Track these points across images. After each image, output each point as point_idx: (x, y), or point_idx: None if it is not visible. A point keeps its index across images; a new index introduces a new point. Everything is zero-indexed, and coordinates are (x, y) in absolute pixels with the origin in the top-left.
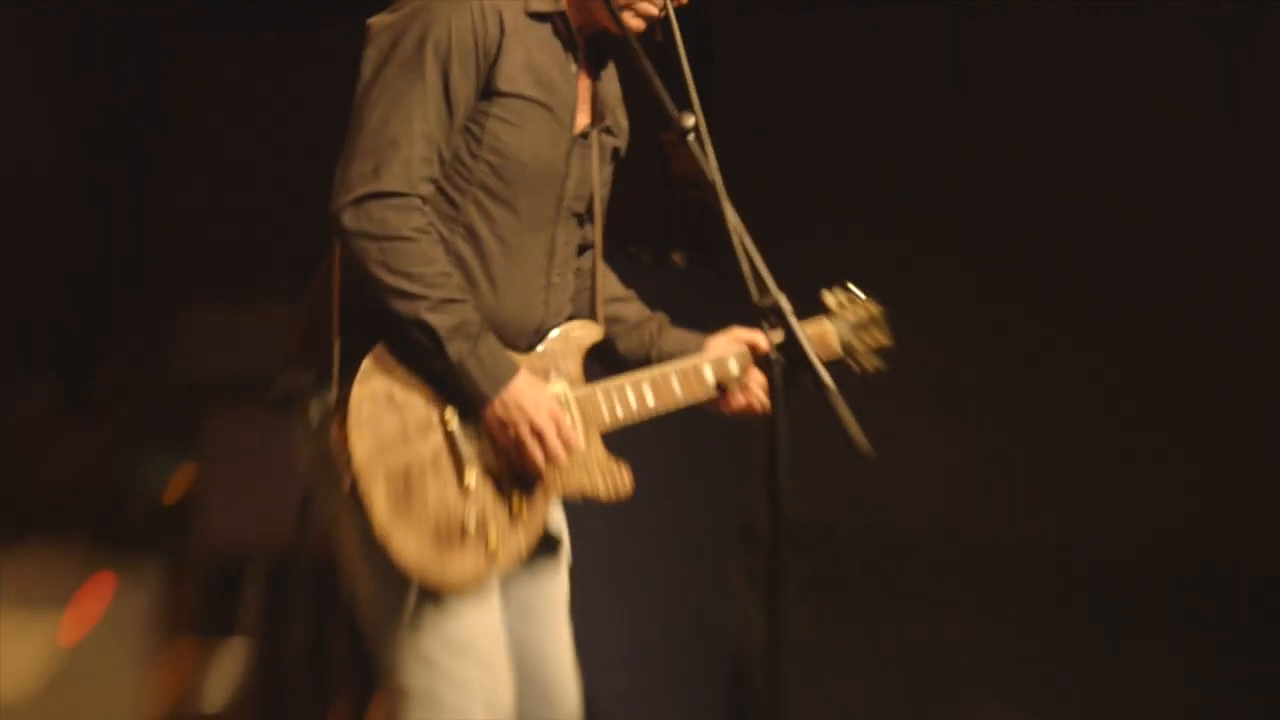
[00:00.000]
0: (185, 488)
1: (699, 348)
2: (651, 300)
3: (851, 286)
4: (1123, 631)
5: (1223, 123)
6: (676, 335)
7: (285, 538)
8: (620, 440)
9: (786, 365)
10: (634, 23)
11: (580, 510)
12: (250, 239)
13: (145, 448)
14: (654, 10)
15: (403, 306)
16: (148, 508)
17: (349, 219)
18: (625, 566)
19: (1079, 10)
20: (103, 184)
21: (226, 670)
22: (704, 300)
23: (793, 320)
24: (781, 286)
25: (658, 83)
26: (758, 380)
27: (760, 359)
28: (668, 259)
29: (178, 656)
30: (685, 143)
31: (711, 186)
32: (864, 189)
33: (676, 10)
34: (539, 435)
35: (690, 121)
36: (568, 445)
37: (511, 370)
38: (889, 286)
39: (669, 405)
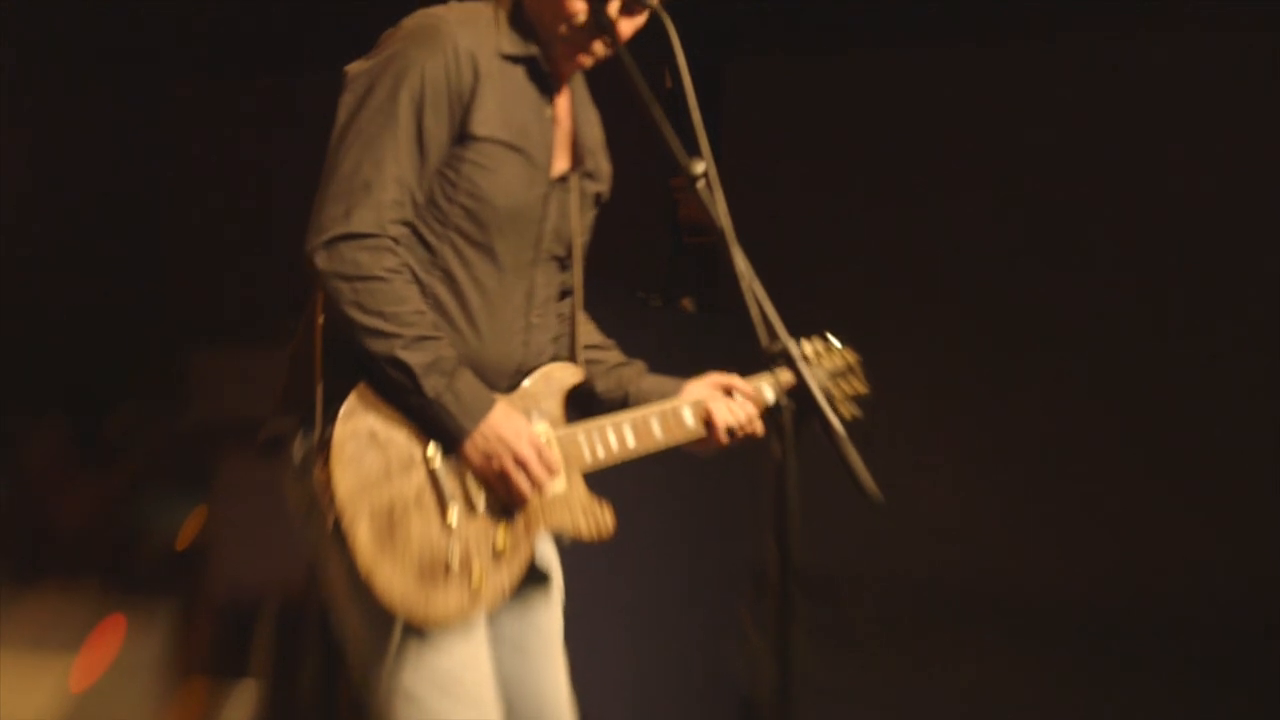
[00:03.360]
0: (197, 532)
1: (676, 391)
2: (660, 345)
3: (829, 335)
4: (1135, 677)
5: (1231, 166)
6: (654, 379)
7: (296, 581)
8: (628, 483)
9: (796, 410)
10: (586, 62)
11: (589, 552)
12: (262, 283)
13: (157, 492)
14: (603, 53)
15: (378, 345)
16: (159, 552)
17: (322, 260)
18: (634, 609)
19: (1086, 58)
20: (115, 229)
21: (238, 713)
22: (712, 345)
23: (802, 366)
24: (790, 331)
25: (667, 129)
26: (735, 422)
27: (770, 406)
28: (677, 304)
29: (189, 699)
30: (695, 189)
31: (721, 232)
32: (873, 234)
33: (676, 58)
34: (523, 464)
35: (700, 168)
36: (552, 471)
37: (489, 403)
38: (898, 333)
39: (649, 447)
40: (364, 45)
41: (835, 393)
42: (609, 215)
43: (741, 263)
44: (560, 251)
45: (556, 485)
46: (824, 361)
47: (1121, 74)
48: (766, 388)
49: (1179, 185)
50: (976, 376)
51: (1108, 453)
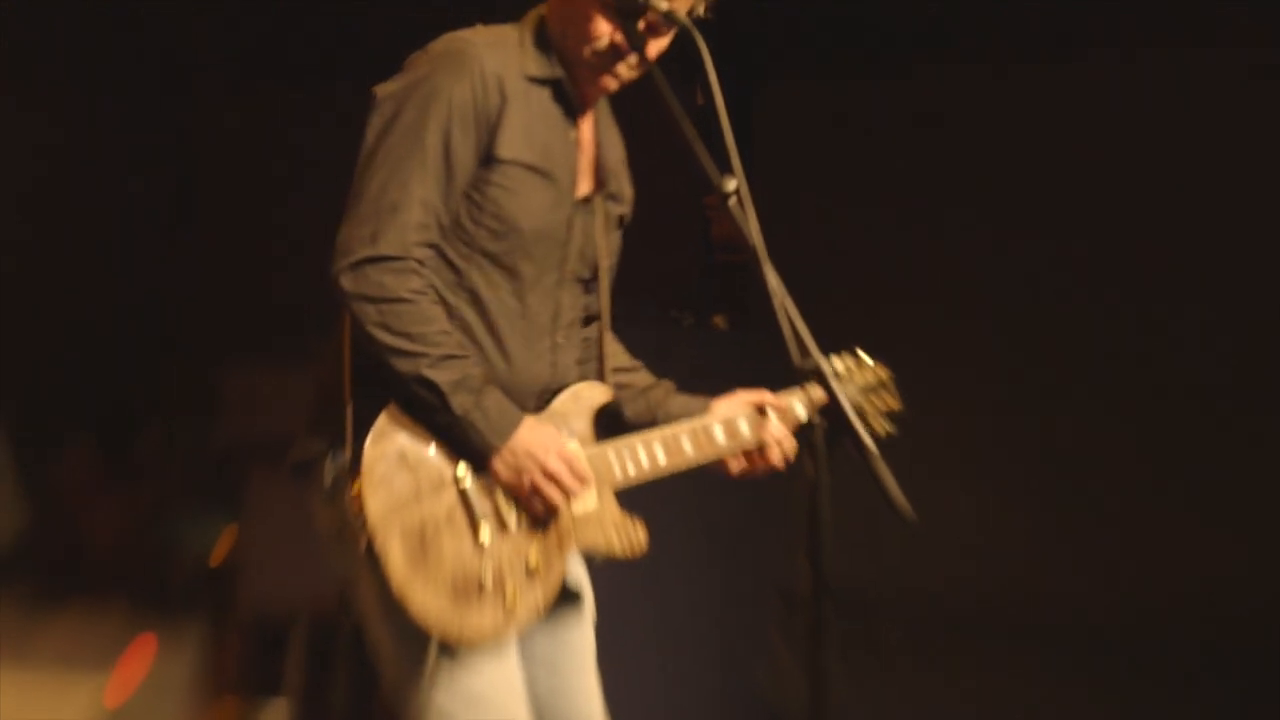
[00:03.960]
0: (229, 550)
1: (705, 410)
2: (692, 363)
3: (860, 351)
4: (1162, 693)
5: (1259, 184)
6: (682, 399)
7: (327, 598)
8: (658, 500)
9: (829, 428)
10: (610, 85)
11: (619, 570)
12: (292, 301)
13: (187, 511)
14: (629, 76)
15: (404, 365)
16: (190, 570)
17: (347, 282)
18: (665, 628)
19: (1110, 81)
20: (145, 248)
21: None
22: (744, 363)
23: (834, 383)
24: (822, 349)
25: (699, 147)
26: (771, 437)
27: (802, 424)
28: (709, 322)
29: (221, 717)
30: (726, 206)
31: (753, 250)
32: (902, 251)
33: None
34: (553, 476)
35: (732, 185)
36: (583, 482)
37: (517, 419)
38: (927, 349)
39: (680, 464)
40: (393, 64)
41: (868, 409)
42: (640, 233)
43: (773, 280)
44: (585, 273)
45: (588, 503)
46: (856, 378)
47: (1154, 91)
48: (798, 405)
49: (1207, 204)
50: (1008, 393)
51: (1135, 469)
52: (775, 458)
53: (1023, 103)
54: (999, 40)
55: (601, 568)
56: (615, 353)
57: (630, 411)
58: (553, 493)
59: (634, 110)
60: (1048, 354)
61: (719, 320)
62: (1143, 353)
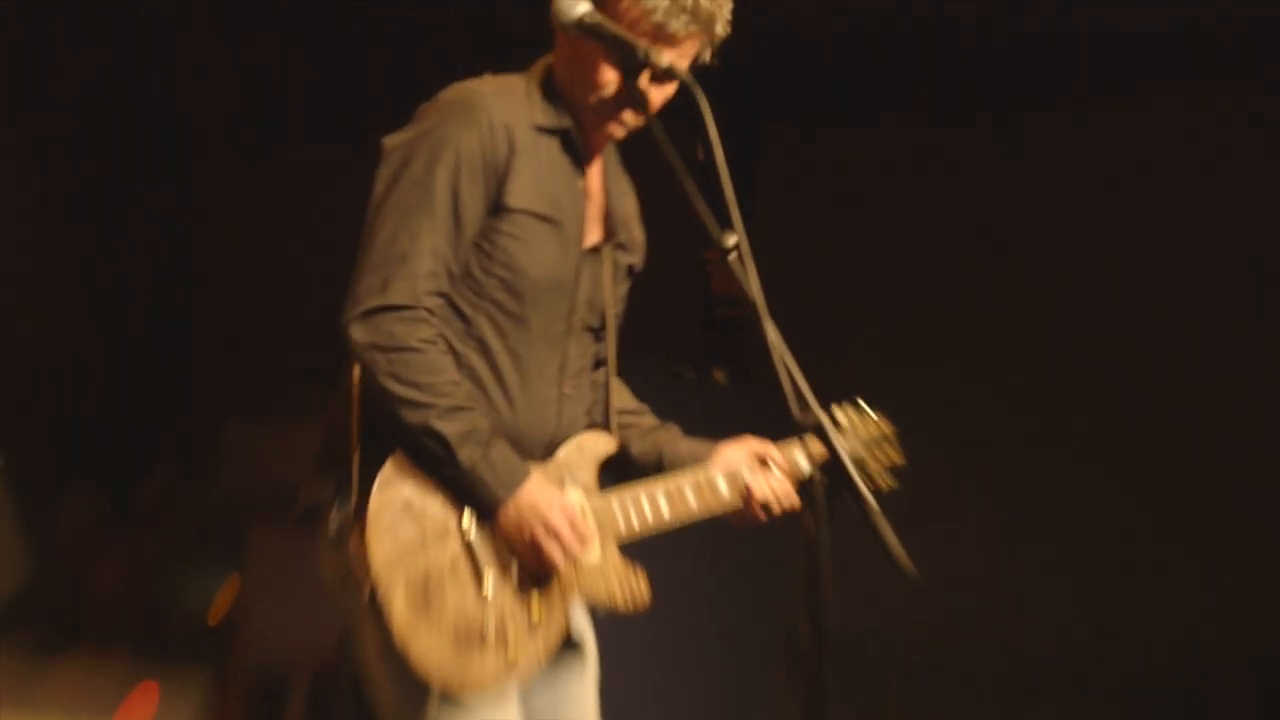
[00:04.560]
0: (229, 605)
1: (710, 455)
2: (693, 418)
3: (860, 402)
4: None
5: (1262, 241)
6: (688, 443)
7: (328, 650)
8: (660, 549)
9: (829, 483)
10: (617, 132)
11: (621, 622)
12: (294, 353)
13: (190, 561)
14: (634, 123)
15: (412, 416)
16: (192, 620)
17: (357, 332)
18: (666, 676)
19: (1116, 137)
20: (151, 300)
21: None
22: (745, 417)
23: (835, 438)
24: (823, 402)
25: (699, 201)
26: (772, 491)
27: (803, 480)
28: (709, 376)
29: None
30: (727, 261)
31: (753, 304)
32: (904, 306)
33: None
34: (555, 534)
35: (732, 240)
36: (584, 542)
37: (523, 473)
38: (928, 403)
39: (684, 517)
40: (401, 117)
41: (870, 463)
42: (640, 288)
43: (773, 335)
44: (594, 322)
45: (591, 555)
46: (859, 431)
47: (1153, 151)
48: (801, 458)
49: (1209, 262)
50: (1006, 445)
51: (1135, 521)
52: (775, 511)
53: (1027, 152)
54: (1007, 92)
55: (604, 618)
56: (622, 396)
57: (636, 450)
58: (553, 549)
59: (634, 163)
60: (1051, 407)
61: (719, 375)
62: (1143, 402)
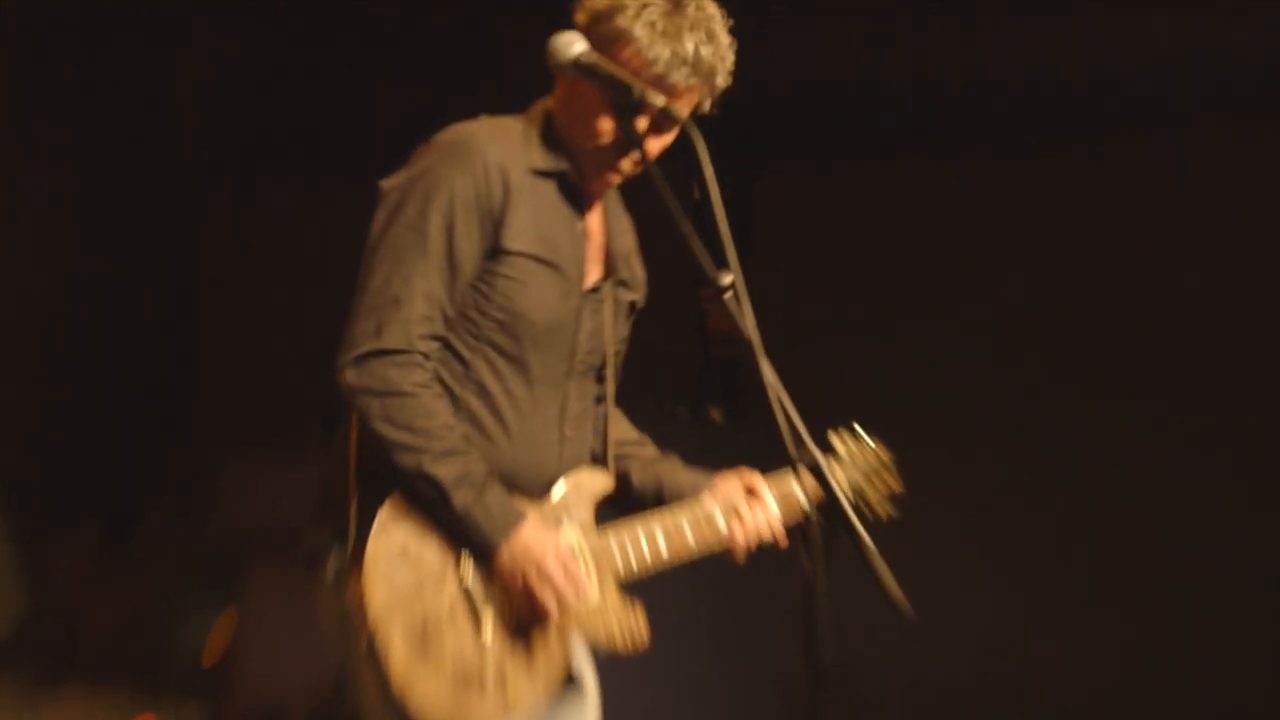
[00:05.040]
0: (225, 645)
1: (709, 486)
2: (689, 457)
3: (858, 428)
4: None
5: (1251, 275)
6: (687, 474)
7: (325, 690)
8: (659, 588)
9: (824, 522)
10: (615, 180)
11: (620, 661)
12: (292, 392)
13: (186, 600)
14: (631, 171)
15: (406, 460)
16: (188, 660)
17: (352, 376)
18: (666, 715)
19: (1110, 168)
20: (146, 336)
21: None
22: (741, 456)
23: (832, 474)
24: (819, 430)
25: (695, 242)
26: (767, 527)
27: (799, 521)
28: (705, 415)
29: None
30: (722, 300)
31: (748, 343)
32: (901, 344)
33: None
34: (548, 580)
35: (728, 279)
36: (578, 588)
37: (518, 518)
38: (925, 439)
39: (683, 555)
40: (398, 158)
41: (869, 493)
42: (636, 327)
43: (769, 374)
44: (595, 363)
45: (590, 596)
46: (857, 460)
47: (1158, 186)
48: (797, 489)
49: (1217, 300)
50: (1007, 483)
51: (1141, 560)
52: (763, 541)
53: (1024, 194)
54: (1007, 131)
55: (603, 658)
56: (621, 428)
57: (637, 481)
58: (547, 595)
59: (630, 202)
60: (1051, 444)
61: (715, 413)
62: (1150, 444)
